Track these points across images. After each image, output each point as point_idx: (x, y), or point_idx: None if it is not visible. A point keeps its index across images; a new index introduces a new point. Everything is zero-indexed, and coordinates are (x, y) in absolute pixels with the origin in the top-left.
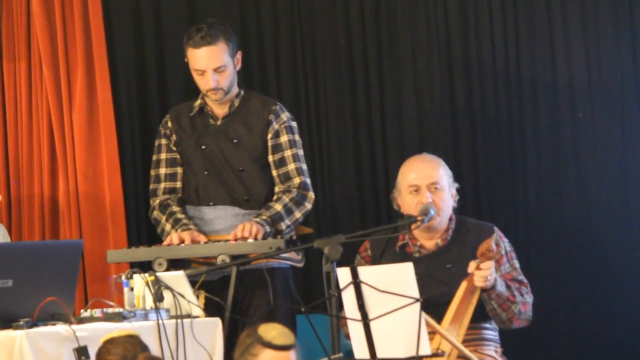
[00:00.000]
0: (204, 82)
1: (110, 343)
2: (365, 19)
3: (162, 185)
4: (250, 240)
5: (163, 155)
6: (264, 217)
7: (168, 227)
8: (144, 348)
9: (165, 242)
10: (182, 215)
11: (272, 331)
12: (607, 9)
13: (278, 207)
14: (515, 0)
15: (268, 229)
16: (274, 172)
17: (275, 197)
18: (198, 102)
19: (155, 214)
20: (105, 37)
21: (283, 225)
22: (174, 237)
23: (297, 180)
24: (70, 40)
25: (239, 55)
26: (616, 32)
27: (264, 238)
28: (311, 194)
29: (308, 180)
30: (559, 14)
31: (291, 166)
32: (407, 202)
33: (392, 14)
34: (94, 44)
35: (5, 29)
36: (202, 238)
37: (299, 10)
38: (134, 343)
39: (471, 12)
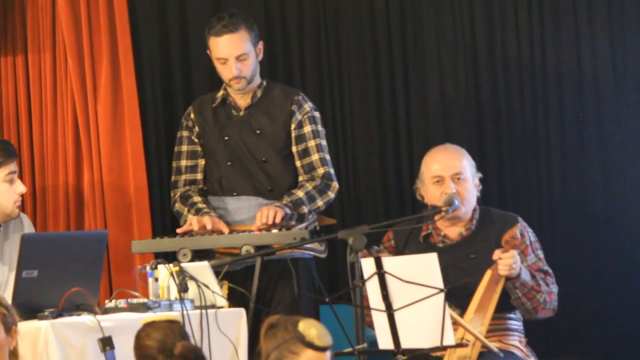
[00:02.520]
0: (227, 71)
1: (150, 327)
2: (389, 10)
3: (183, 177)
4: (275, 230)
5: (184, 148)
6: (284, 202)
7: (190, 217)
8: (184, 335)
9: (185, 227)
10: (204, 205)
11: (314, 330)
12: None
13: (300, 193)
14: None
15: (288, 211)
16: (298, 163)
17: (299, 185)
18: (220, 93)
19: (177, 206)
20: (130, 29)
21: (305, 209)
22: (193, 220)
23: (321, 171)
24: (95, 31)
25: (260, 45)
26: None
27: (287, 225)
28: (335, 184)
29: (332, 171)
30: (584, 5)
31: (315, 156)
32: (430, 192)
33: (416, 4)
34: (118, 35)
35: (30, 20)
36: (223, 225)
37: (323, 2)
38: (174, 329)
39: (496, 3)
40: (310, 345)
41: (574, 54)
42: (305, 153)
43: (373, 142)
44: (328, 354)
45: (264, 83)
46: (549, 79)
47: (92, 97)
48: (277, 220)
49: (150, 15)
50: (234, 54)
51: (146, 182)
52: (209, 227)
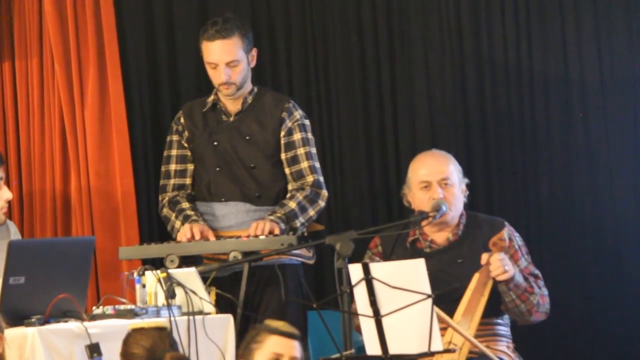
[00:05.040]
0: (216, 76)
1: (138, 333)
2: (377, 16)
3: (172, 181)
4: (262, 236)
5: (174, 152)
6: (278, 215)
7: (178, 224)
8: (173, 344)
9: (178, 240)
10: (192, 212)
11: (279, 323)
12: (620, 4)
13: (292, 204)
14: None
15: (283, 226)
16: (287, 170)
17: (289, 195)
18: (211, 98)
19: (165, 211)
20: (117, 34)
21: (298, 223)
22: (185, 229)
23: (310, 179)
24: (82, 37)
25: (254, 52)
26: (628, 27)
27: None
28: (325, 192)
29: (321, 179)
30: (571, 10)
31: (304, 164)
32: (418, 198)
33: (404, 10)
34: (105, 40)
35: (17, 26)
36: (211, 234)
37: (310, 7)
38: (163, 337)
39: (483, 8)
40: (274, 331)
41: (560, 59)
42: (294, 160)
43: (360, 147)
44: (295, 344)
45: (255, 89)
46: (536, 83)
47: (79, 102)
48: (276, 233)
49: (137, 21)
50: (225, 60)
51: (133, 188)
52: (197, 236)
